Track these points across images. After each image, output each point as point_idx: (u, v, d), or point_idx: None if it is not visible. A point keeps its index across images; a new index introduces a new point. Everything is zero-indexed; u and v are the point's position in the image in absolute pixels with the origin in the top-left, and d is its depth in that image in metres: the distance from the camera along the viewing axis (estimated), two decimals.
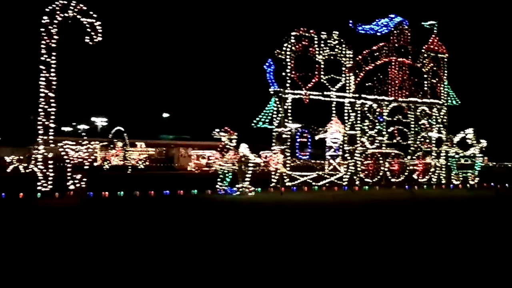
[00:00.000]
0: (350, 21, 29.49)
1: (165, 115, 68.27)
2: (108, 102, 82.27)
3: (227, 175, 25.61)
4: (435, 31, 32.01)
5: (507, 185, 30.85)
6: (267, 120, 27.47)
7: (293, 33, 27.94)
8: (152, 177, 39.35)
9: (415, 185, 30.18)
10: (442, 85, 32.15)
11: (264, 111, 27.48)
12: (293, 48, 27.81)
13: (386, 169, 30.30)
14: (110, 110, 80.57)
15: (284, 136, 27.60)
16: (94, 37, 23.07)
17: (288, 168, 27.97)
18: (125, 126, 52.69)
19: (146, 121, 69.89)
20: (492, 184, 30.91)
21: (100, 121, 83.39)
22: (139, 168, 52.26)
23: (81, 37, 23.11)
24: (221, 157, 34.59)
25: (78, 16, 22.72)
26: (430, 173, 31.75)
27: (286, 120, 27.73)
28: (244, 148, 30.52)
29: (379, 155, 30.14)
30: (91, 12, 22.91)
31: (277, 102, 27.53)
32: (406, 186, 29.07)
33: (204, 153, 54.09)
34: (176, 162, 57.68)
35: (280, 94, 27.54)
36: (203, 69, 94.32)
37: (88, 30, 22.97)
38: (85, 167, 22.66)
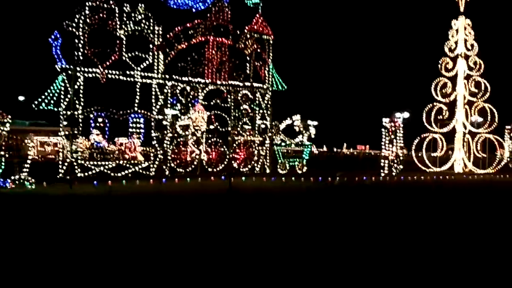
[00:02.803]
0: None
1: (21, 98, 62.31)
2: None
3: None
4: (259, 10, 29.95)
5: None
6: (52, 101, 24.01)
7: (88, 3, 24.58)
8: None
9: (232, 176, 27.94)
10: (267, 69, 30.20)
11: (49, 90, 24.00)
12: (87, 20, 24.46)
13: (202, 158, 27.90)
14: None
15: (75, 119, 24.33)
16: None
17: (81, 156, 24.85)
18: None
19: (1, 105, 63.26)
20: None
21: None
22: None
23: None
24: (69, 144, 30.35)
25: None
26: (253, 162, 29.79)
27: (77, 101, 24.40)
28: (95, 135, 26.98)
29: (193, 143, 27.66)
30: None
31: (66, 81, 24.12)
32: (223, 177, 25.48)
33: (49, 140, 49.46)
34: (21, 150, 52.35)
35: (70, 72, 24.14)
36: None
37: None
38: None
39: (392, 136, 33.90)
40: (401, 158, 34.82)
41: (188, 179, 24.77)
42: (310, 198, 18.63)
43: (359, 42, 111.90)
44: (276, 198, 18.23)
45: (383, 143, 34.17)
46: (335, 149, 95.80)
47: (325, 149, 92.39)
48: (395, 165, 33.69)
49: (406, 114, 66.58)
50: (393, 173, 32.96)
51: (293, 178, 27.00)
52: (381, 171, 33.13)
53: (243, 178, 25.84)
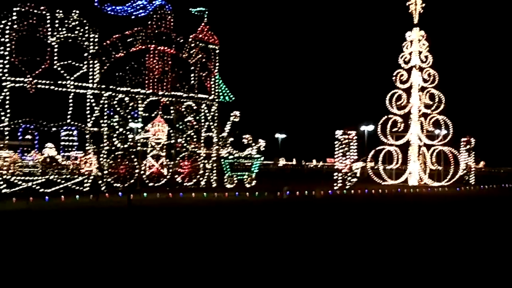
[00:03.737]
0: (96, 0, 25.36)
1: None
2: None
3: None
4: (205, 19, 28.90)
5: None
6: None
7: (16, 9, 23.14)
8: None
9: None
10: (213, 79, 29.07)
11: None
12: (15, 26, 23.01)
13: (142, 172, 26.52)
14: None
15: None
16: None
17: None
18: None
19: None
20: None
21: None
22: None
23: None
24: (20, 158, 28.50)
25: None
26: (198, 176, 28.49)
27: (3, 113, 22.85)
28: (49, 149, 25.28)
29: (132, 156, 26.25)
30: None
31: None
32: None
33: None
34: None
35: None
36: None
37: None
38: None
39: (346, 149, 33.09)
40: (356, 171, 34.08)
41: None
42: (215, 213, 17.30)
43: (325, 55, 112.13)
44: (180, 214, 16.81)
45: (336, 156, 33.33)
46: (303, 162, 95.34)
47: (294, 162, 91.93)
48: (349, 178, 32.87)
49: (370, 127, 66.33)
50: (346, 187, 32.06)
51: (226, 193, 24.99)
52: (335, 184, 32.23)
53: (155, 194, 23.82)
